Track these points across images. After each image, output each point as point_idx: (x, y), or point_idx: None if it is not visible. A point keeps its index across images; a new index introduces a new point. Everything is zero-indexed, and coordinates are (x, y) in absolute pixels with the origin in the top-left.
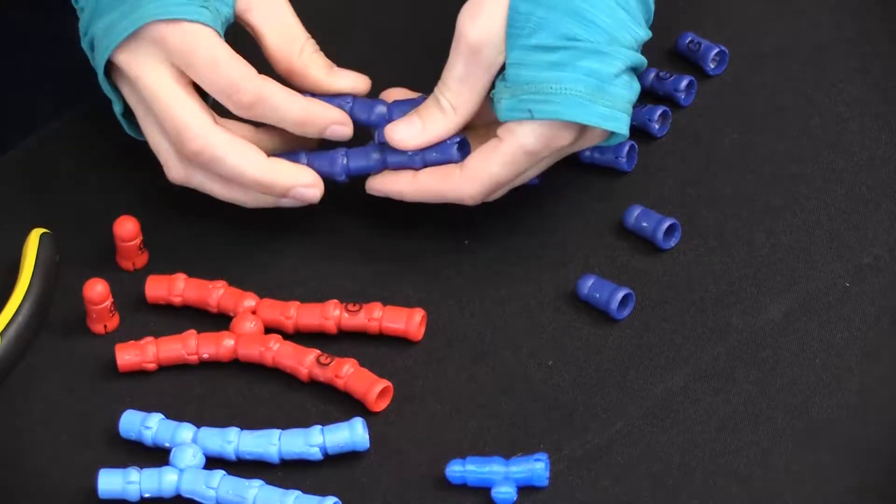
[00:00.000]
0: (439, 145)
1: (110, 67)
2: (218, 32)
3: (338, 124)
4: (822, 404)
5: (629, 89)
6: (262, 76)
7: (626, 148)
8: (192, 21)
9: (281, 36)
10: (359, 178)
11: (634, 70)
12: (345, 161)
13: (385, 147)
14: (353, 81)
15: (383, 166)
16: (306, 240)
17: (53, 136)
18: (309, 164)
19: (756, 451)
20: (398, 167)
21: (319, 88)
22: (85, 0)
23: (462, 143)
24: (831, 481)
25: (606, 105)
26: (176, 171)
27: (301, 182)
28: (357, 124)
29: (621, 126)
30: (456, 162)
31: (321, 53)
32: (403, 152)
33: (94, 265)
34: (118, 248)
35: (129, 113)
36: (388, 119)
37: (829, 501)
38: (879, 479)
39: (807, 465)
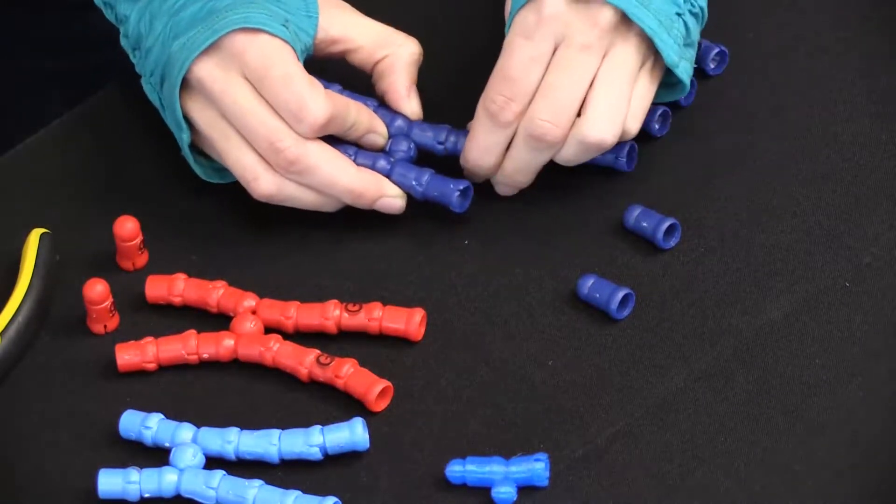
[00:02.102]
0: (443, 187)
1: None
2: (295, 53)
3: (390, 198)
4: (822, 404)
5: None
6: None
7: (626, 148)
8: (271, 34)
9: (374, 38)
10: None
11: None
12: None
13: (394, 160)
14: (416, 109)
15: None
16: (306, 240)
17: (54, 136)
18: None
19: (756, 451)
20: (399, 185)
21: (396, 102)
22: (151, 38)
23: (465, 191)
24: (831, 481)
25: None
26: (267, 184)
27: (389, 193)
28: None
29: (669, 50)
30: (455, 210)
31: (413, 70)
32: (409, 172)
33: (94, 265)
34: (118, 248)
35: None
36: (407, 135)
37: (829, 501)
38: (879, 479)
39: (807, 465)
